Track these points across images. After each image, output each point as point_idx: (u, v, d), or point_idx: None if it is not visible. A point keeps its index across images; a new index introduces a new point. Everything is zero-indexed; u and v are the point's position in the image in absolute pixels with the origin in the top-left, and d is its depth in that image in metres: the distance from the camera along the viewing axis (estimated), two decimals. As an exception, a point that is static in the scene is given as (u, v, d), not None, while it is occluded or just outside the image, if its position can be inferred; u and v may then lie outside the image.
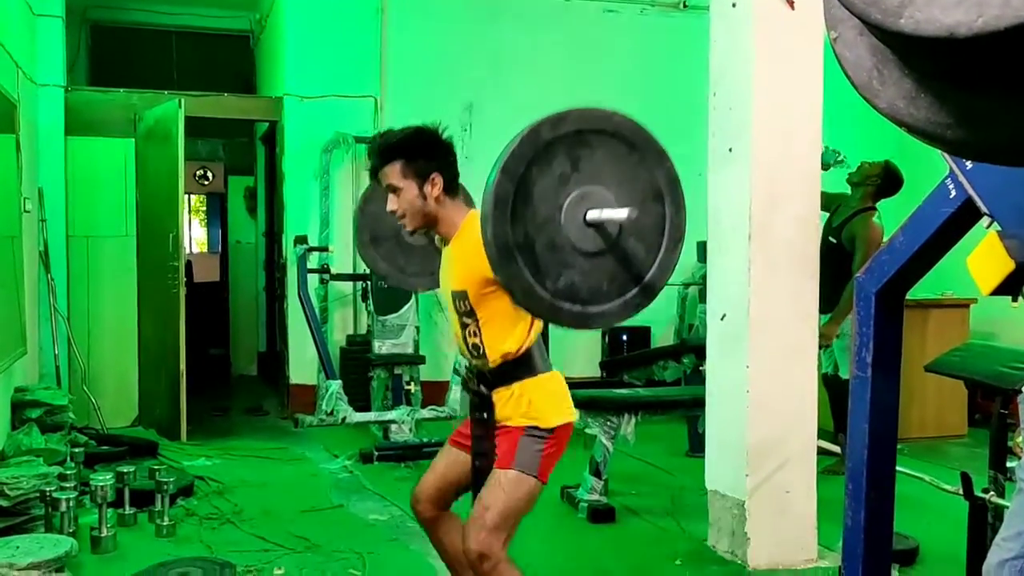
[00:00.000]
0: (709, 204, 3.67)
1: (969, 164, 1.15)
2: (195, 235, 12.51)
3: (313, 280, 6.04)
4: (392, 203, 2.43)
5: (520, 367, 2.40)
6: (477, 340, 2.42)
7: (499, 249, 1.93)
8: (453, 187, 2.45)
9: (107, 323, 6.03)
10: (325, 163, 6.47)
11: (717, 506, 3.64)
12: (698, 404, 3.99)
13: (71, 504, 3.67)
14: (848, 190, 4.88)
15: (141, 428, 5.66)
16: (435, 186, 2.40)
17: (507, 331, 2.38)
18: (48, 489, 3.75)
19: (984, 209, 1.12)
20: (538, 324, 2.42)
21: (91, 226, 5.96)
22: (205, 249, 12.75)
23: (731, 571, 3.43)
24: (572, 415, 2.44)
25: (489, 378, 2.42)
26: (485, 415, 2.42)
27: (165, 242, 5.69)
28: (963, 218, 1.18)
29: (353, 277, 6.27)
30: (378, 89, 6.53)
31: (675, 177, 2.09)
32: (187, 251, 7.85)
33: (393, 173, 2.41)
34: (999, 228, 1.09)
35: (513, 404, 2.39)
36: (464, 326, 2.45)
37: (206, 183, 11.26)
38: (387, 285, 3.05)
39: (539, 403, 2.38)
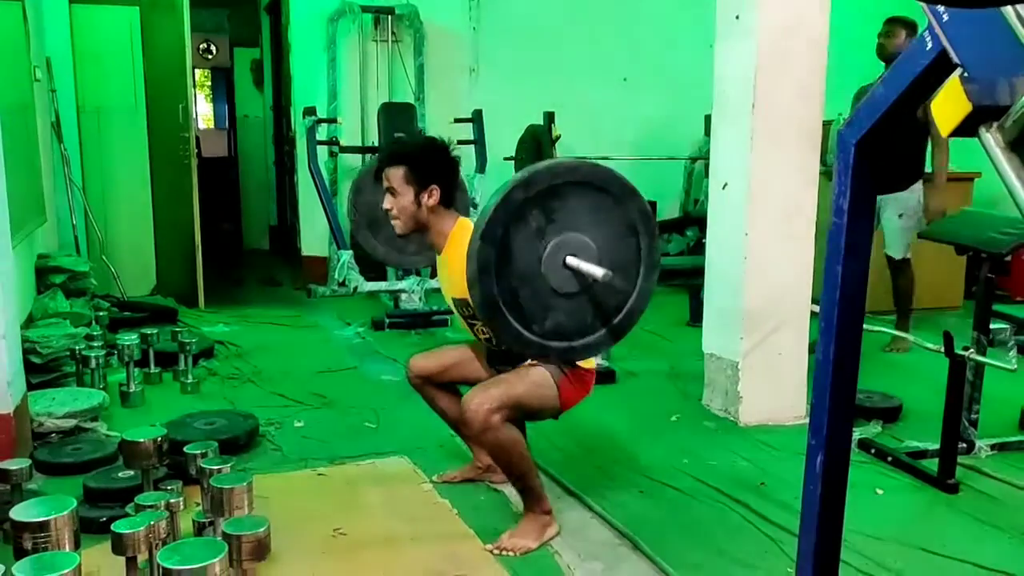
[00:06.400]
0: (715, 74, 3.67)
1: (945, 16, 1.23)
2: (201, 111, 12.39)
3: (322, 154, 6.07)
4: (388, 202, 2.58)
5: None
6: (488, 334, 2.60)
7: (488, 307, 2.13)
8: (448, 200, 2.58)
9: (121, 194, 6.09)
10: (332, 33, 6.39)
11: (712, 367, 3.81)
12: (698, 273, 4.07)
13: (100, 362, 3.87)
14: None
15: (159, 296, 5.83)
16: (431, 196, 2.54)
17: None
18: (78, 348, 3.95)
19: (955, 58, 1.20)
20: None
21: (101, 97, 5.94)
22: (212, 125, 12.68)
23: (723, 427, 3.62)
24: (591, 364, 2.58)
25: (503, 351, 2.61)
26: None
27: (175, 114, 5.71)
28: (937, 69, 1.25)
29: (362, 150, 6.30)
30: (384, -44, 6.39)
31: (646, 210, 2.27)
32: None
33: (395, 176, 2.55)
34: (965, 74, 1.17)
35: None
36: (471, 325, 2.64)
37: (210, 57, 11.10)
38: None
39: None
